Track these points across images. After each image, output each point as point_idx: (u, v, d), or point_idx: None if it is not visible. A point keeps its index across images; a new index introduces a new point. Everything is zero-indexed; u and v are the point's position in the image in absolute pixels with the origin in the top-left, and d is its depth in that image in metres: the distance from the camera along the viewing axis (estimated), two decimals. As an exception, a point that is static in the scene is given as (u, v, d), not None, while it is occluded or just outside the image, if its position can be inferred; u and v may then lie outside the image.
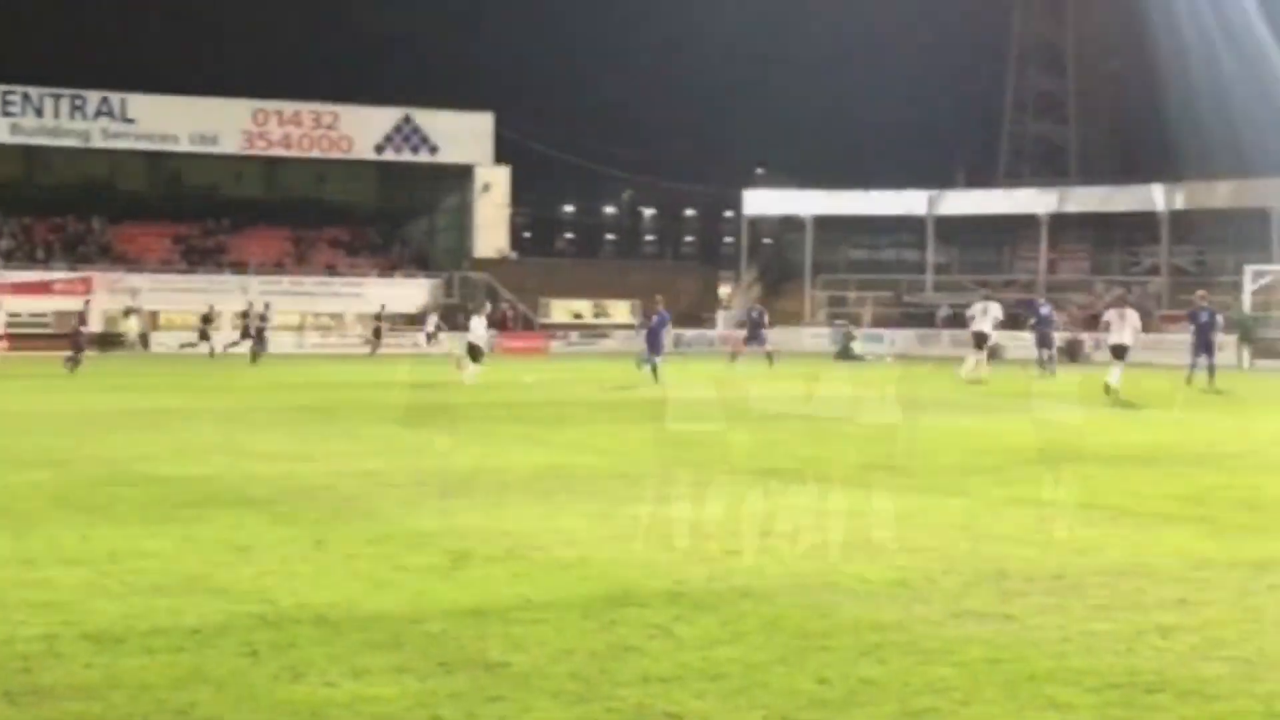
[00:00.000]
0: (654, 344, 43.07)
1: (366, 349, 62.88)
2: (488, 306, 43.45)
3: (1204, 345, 38.78)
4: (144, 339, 63.40)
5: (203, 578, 11.06)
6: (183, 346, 59.05)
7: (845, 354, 61.99)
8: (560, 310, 76.79)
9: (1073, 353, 57.83)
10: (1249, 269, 58.90)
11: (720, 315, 78.41)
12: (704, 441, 22.79)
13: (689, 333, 69.50)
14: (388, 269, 76.36)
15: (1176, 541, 13.10)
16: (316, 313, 70.39)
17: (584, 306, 76.93)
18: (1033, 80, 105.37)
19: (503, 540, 12.79)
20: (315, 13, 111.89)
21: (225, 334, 59.68)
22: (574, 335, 72.16)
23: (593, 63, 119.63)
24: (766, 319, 54.44)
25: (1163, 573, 11.54)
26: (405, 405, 30.73)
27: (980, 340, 42.14)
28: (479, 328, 41.62)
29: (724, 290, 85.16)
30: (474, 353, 40.71)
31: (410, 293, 73.71)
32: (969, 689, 8.14)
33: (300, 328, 68.16)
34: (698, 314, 75.46)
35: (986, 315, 42.64)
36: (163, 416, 27.39)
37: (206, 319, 59.78)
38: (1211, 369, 38.08)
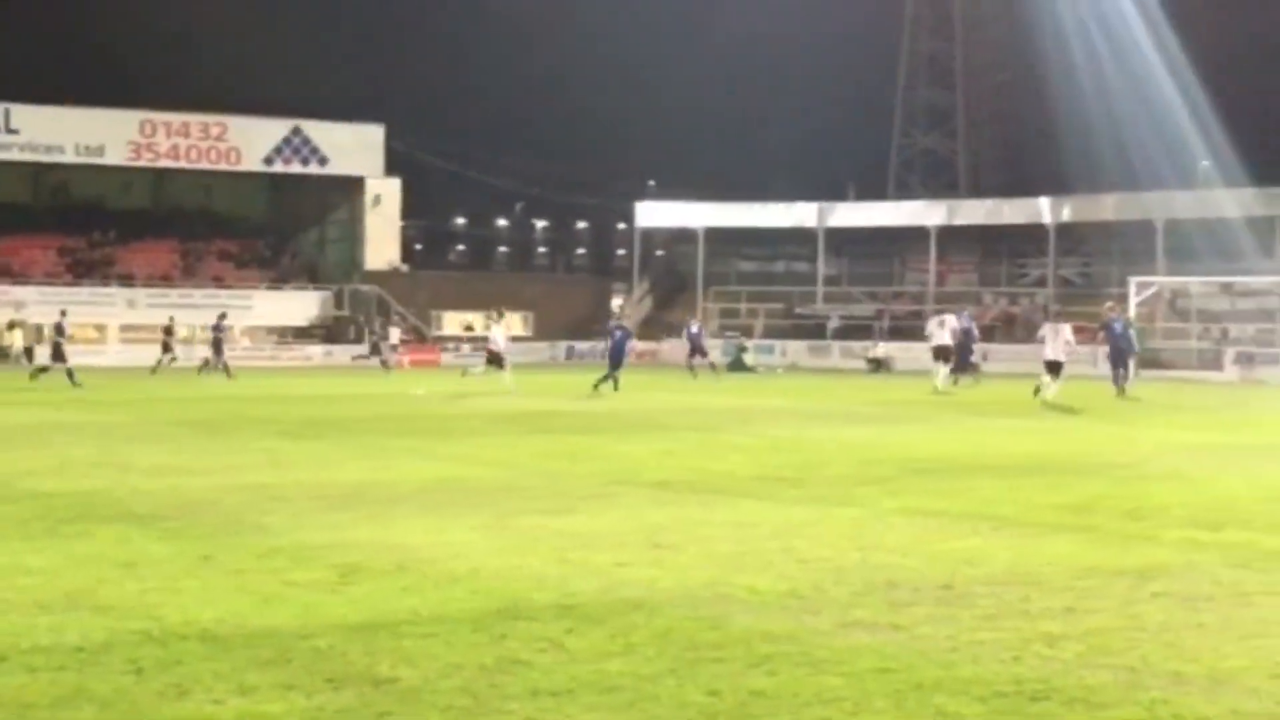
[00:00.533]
0: (615, 358, 43.88)
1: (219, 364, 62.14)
2: (500, 315, 43.81)
3: (1119, 355, 39.68)
4: (29, 352, 62.42)
5: (86, 594, 10.89)
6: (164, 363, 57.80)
7: (737, 365, 62.24)
8: (452, 322, 76.57)
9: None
10: (1134, 280, 59.62)
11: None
12: (595, 453, 22.80)
13: (581, 345, 69.49)
14: (277, 282, 75.81)
15: (1062, 550, 13.22)
16: (205, 325, 69.64)
17: (476, 319, 76.70)
18: (922, 94, 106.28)
19: (392, 554, 12.70)
20: (203, 23, 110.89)
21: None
22: (466, 347, 71.89)
23: (485, 75, 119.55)
24: (705, 333, 55.52)
25: (1049, 582, 11.64)
26: (293, 418, 30.51)
27: (942, 354, 42.58)
28: (499, 337, 42.31)
29: (616, 302, 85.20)
30: (498, 360, 41.14)
31: (300, 306, 73.24)
32: (858, 699, 8.17)
33: (189, 340, 67.45)
34: (590, 326, 75.40)
35: (944, 328, 43.32)
36: (45, 431, 27.01)
37: (169, 331, 59.03)
38: (1126, 377, 38.83)
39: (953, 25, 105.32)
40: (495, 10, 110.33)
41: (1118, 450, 24.27)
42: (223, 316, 58.72)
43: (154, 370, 53.05)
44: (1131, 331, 42.93)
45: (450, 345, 71.23)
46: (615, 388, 41.20)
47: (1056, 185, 75.41)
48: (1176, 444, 25.76)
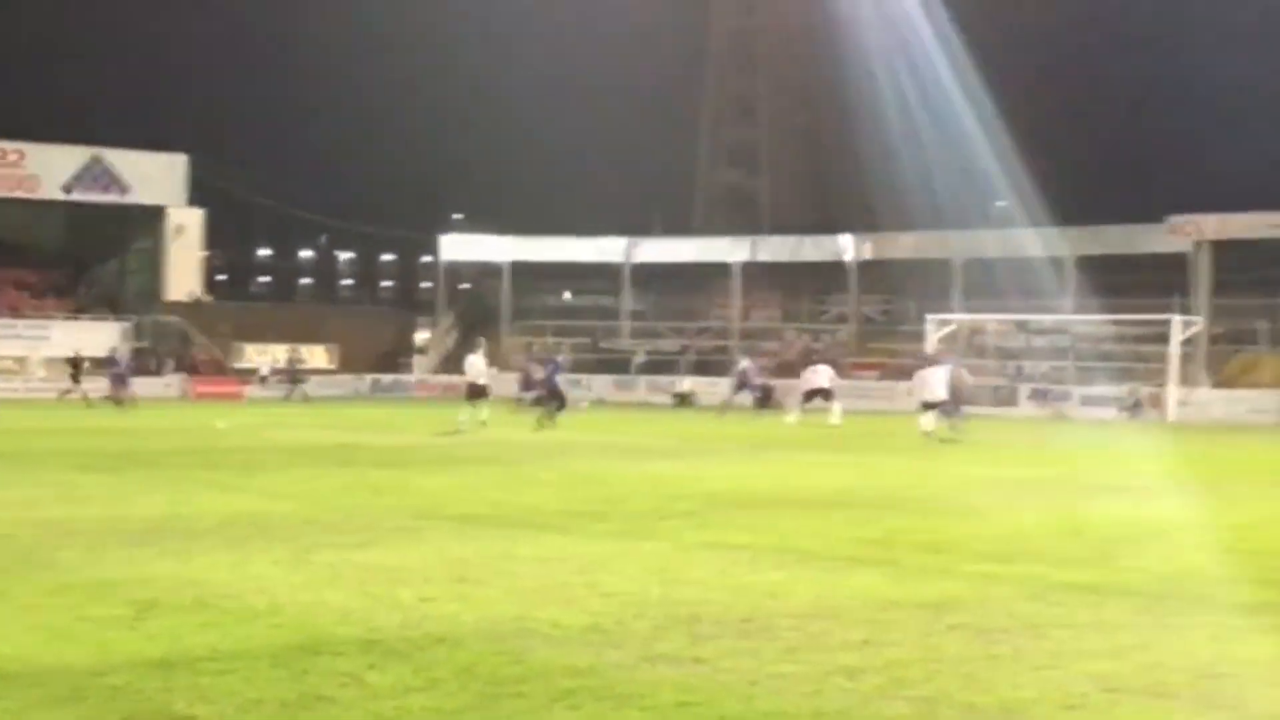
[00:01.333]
0: (554, 389, 45.60)
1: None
2: (484, 344, 43.58)
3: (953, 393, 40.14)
4: None
5: None
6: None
7: (543, 401, 62.05)
8: (255, 354, 75.63)
9: (765, 399, 58.90)
10: (931, 318, 60.64)
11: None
12: (399, 487, 22.67)
13: (386, 378, 69.05)
14: (75, 312, 74.38)
15: (863, 584, 13.39)
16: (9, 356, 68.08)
17: (279, 351, 75.82)
18: (727, 131, 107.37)
19: (191, 589, 12.51)
20: (1, 47, 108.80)
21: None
22: (271, 379, 71.04)
23: (289, 106, 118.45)
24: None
25: (849, 615, 11.78)
26: (91, 451, 29.95)
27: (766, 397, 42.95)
28: (478, 364, 41.58)
29: (421, 336, 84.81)
30: (478, 392, 40.64)
31: (99, 336, 71.86)
32: (660, 732, 8.20)
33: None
34: (394, 359, 74.98)
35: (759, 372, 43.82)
36: None
37: (75, 363, 57.42)
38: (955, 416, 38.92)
39: (756, 62, 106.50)
40: (301, 41, 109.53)
41: (916, 484, 24.65)
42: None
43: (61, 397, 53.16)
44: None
45: (253, 378, 70.33)
46: (552, 419, 42.38)
47: (860, 222, 76.52)
48: (973, 478, 26.22)
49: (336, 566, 13.93)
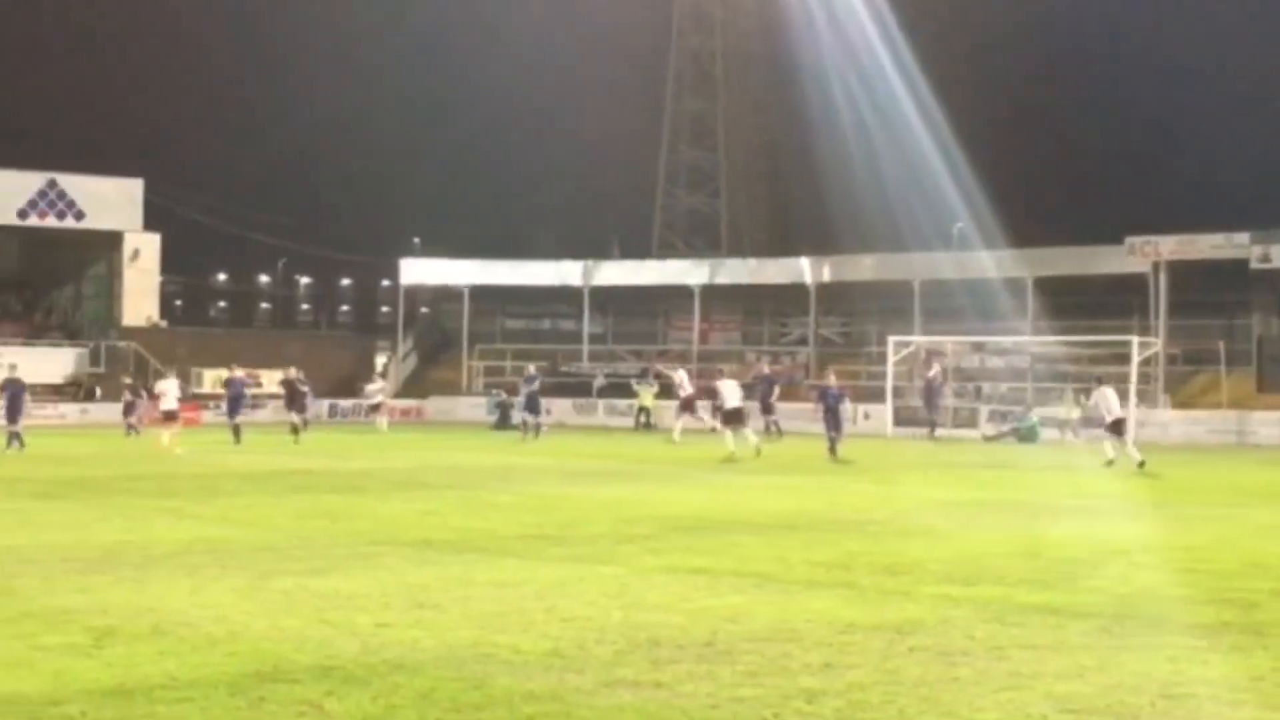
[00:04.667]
0: (533, 406, 48.18)
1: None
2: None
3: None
4: None
5: None
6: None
7: (503, 423, 62.07)
8: (212, 380, 75.24)
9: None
10: (892, 340, 60.77)
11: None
12: (355, 512, 22.60)
13: (345, 402, 68.84)
14: (31, 338, 73.94)
15: (822, 606, 13.40)
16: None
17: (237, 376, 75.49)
18: (685, 153, 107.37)
19: (147, 616, 12.44)
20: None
21: None
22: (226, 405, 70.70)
23: (247, 129, 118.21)
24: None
25: (809, 638, 11.78)
26: (47, 478, 29.80)
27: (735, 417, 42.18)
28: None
29: (380, 360, 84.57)
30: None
31: (55, 363, 71.43)
32: (620, 758, 8.18)
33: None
34: (352, 383, 74.74)
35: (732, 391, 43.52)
36: None
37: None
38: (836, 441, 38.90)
39: (715, 84, 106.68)
40: (259, 64, 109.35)
41: (874, 507, 24.68)
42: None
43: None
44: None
45: (211, 404, 70.01)
46: (536, 436, 44.98)
47: (819, 245, 76.61)
48: (931, 500, 26.28)
49: (293, 593, 13.87)
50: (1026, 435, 52.69)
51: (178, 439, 41.08)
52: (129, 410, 53.57)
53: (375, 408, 57.09)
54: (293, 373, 49.43)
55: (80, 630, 11.80)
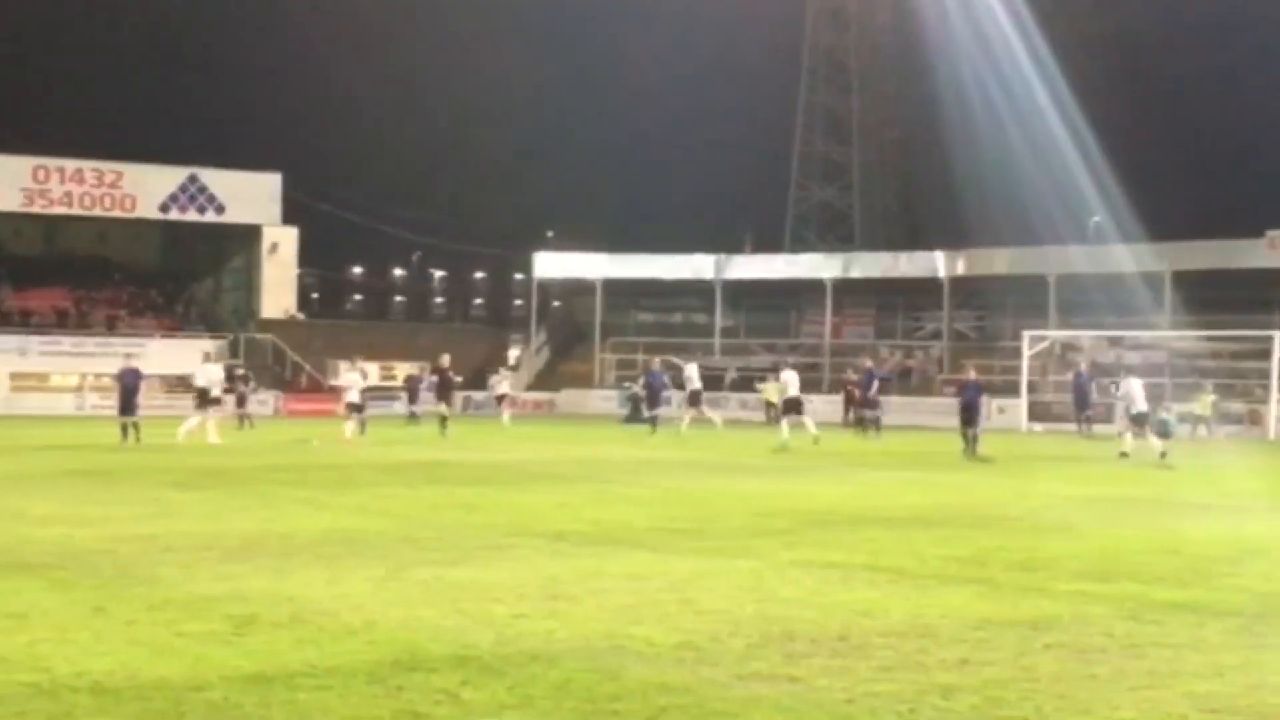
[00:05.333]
0: (654, 400, 48.53)
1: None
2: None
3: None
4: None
5: (-25, 646, 10.74)
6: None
7: (634, 417, 62.20)
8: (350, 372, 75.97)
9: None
10: (1027, 334, 60.24)
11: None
12: (490, 504, 22.74)
13: (478, 395, 69.22)
14: (171, 329, 75.09)
15: (957, 602, 13.32)
16: (98, 374, 68.81)
17: (372, 368, 76.25)
18: (818, 147, 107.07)
19: (287, 605, 12.60)
20: (100, 70, 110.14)
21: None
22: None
23: (384, 124, 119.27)
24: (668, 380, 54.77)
25: (944, 633, 11.72)
26: (186, 468, 30.24)
27: (793, 406, 42.48)
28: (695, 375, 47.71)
29: (512, 353, 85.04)
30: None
31: (194, 354, 72.44)
32: (755, 751, 8.18)
33: (80, 389, 66.55)
34: (486, 376, 75.22)
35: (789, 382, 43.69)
36: (-65, 480, 26.62)
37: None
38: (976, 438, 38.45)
39: (849, 80, 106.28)
40: (395, 59, 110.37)
41: (1009, 502, 24.49)
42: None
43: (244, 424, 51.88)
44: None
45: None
46: (653, 430, 45.34)
47: (952, 238, 76.10)
48: (1067, 496, 26.01)
49: (430, 584, 13.99)
50: (1161, 431, 52.00)
51: (360, 432, 41.54)
52: (241, 401, 53.40)
53: (500, 399, 56.77)
54: (445, 362, 48.27)
55: (221, 618, 11.97)
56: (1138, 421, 37.72)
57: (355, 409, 42.71)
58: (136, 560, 15.50)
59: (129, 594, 13.22)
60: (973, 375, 40.53)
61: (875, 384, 50.75)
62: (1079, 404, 50.81)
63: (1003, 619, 12.43)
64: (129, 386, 40.60)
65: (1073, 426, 51.05)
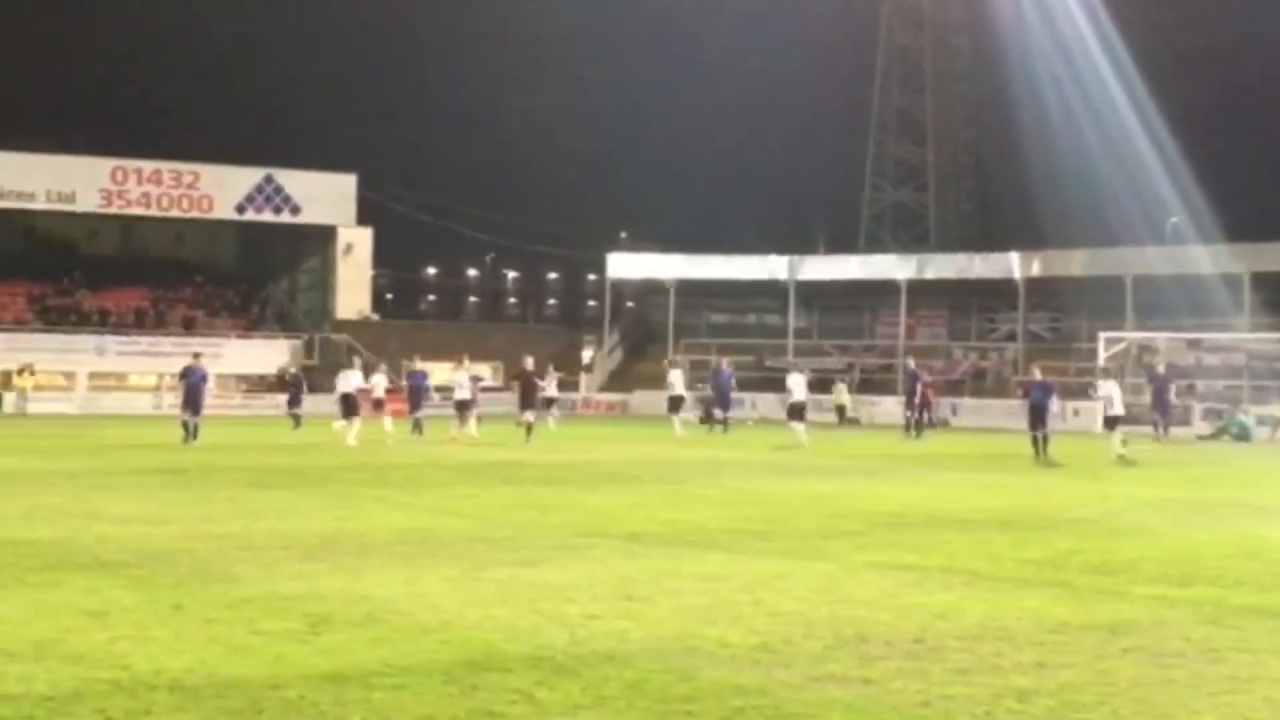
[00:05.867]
0: (724, 401, 49.04)
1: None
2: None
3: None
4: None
5: (55, 643, 10.84)
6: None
7: (708, 418, 62.23)
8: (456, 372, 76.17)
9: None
10: (1103, 335, 59.89)
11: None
12: (563, 504, 22.78)
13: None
14: (247, 329, 75.67)
15: (1033, 605, 13.24)
16: (174, 373, 69.48)
17: (445, 368, 76.40)
18: (893, 148, 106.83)
19: (363, 604, 12.67)
20: (178, 71, 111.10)
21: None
22: (435, 396, 71.66)
23: (458, 126, 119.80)
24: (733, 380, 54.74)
25: (1020, 636, 11.65)
26: (263, 467, 30.45)
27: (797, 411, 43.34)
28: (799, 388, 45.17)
29: (586, 354, 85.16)
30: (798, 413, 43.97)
31: (270, 354, 73.07)
32: (830, 753, 8.16)
33: (157, 388, 67.16)
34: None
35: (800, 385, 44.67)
36: (12, 478, 26.87)
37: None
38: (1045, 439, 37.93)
39: (923, 80, 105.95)
40: (469, 62, 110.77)
41: (1085, 505, 24.33)
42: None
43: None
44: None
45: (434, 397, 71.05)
46: (725, 430, 46.27)
47: (1028, 240, 75.72)
48: (1145, 499, 25.81)
49: (505, 583, 14.03)
50: (1240, 434, 51.60)
51: (473, 430, 42.04)
52: (294, 401, 52.23)
53: (549, 402, 54.60)
54: (529, 365, 45.51)
55: (298, 616, 12.04)
56: (1110, 424, 37.42)
57: (464, 407, 43.14)
58: (214, 559, 15.62)
59: (207, 592, 13.32)
60: (1039, 376, 40.15)
61: (918, 387, 50.42)
62: (1157, 407, 50.24)
63: (1079, 622, 12.35)
64: (193, 385, 40.68)
65: (1149, 429, 50.64)
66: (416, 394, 46.71)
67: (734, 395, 54.89)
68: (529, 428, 41.53)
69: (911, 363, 53.95)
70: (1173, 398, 49.74)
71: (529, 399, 43.76)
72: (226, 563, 15.32)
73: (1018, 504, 24.34)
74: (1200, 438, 52.49)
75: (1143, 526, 20.62)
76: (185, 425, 39.44)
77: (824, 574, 15.10)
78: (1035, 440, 37.39)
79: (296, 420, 50.03)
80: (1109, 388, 38.70)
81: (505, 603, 12.89)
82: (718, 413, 50.52)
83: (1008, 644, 11.31)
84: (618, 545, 17.35)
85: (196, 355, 43.89)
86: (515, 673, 10.03)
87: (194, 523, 19.29)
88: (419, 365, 48.52)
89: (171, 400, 58.34)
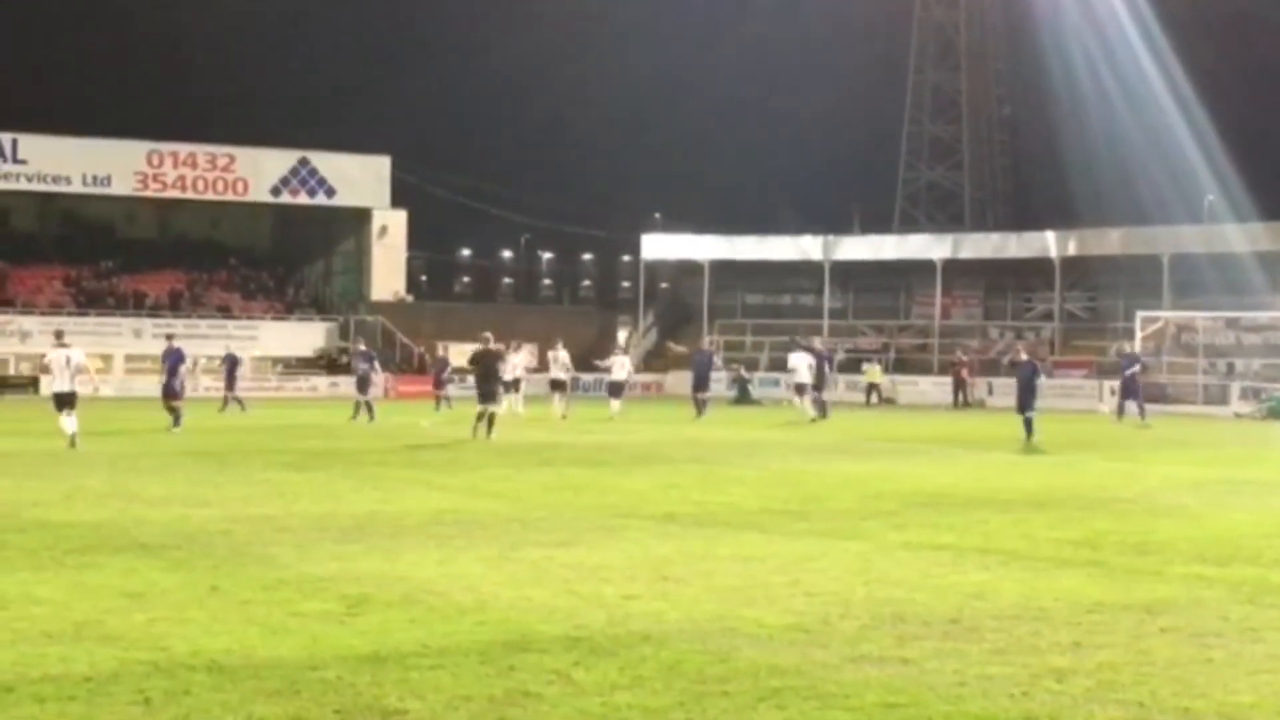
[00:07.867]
0: (701, 382, 48.56)
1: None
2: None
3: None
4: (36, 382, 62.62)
5: (94, 625, 10.90)
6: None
7: (743, 398, 62.27)
8: (456, 354, 76.41)
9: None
10: (1140, 314, 59.67)
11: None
12: (599, 486, 22.80)
13: (586, 377, 69.43)
14: (283, 311, 75.85)
15: (1070, 585, 13.22)
16: (210, 355, 69.73)
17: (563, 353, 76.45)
18: (927, 127, 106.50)
19: (399, 585, 12.71)
20: (212, 55, 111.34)
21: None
22: (470, 378, 71.69)
23: (491, 107, 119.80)
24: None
25: (1057, 616, 11.64)
26: (299, 449, 30.53)
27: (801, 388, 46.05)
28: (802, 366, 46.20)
29: (621, 335, 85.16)
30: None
31: (305, 336, 73.27)
32: (866, 733, 8.16)
33: (193, 371, 67.33)
34: (593, 358, 75.45)
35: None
36: (52, 460, 27.00)
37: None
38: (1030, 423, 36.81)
39: (958, 58, 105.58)
40: (502, 44, 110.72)
41: (1122, 485, 24.27)
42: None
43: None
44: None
45: (456, 377, 71.17)
46: (700, 413, 45.74)
47: (1062, 218, 75.45)
48: (1181, 479, 25.72)
49: (541, 564, 14.06)
50: (1276, 413, 51.34)
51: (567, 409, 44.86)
52: (363, 386, 45.33)
53: (554, 385, 49.78)
54: (491, 342, 42.81)
55: (335, 598, 12.09)
56: (800, 390, 44.50)
57: (558, 386, 46.65)
58: (251, 540, 15.68)
59: (244, 574, 13.38)
60: (1024, 355, 39.66)
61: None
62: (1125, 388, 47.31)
63: (1116, 602, 12.33)
64: (172, 367, 39.24)
65: (1186, 408, 50.36)
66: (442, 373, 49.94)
67: (768, 374, 54.82)
68: (490, 418, 34.58)
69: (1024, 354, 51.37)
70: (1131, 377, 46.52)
71: (559, 384, 46.72)
72: (264, 544, 15.38)
73: (1053, 484, 24.29)
74: (1238, 415, 52.21)
75: (1179, 506, 20.57)
76: (171, 410, 37.76)
77: (860, 554, 15.10)
78: (1027, 423, 35.69)
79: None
80: (797, 359, 44.37)
81: (541, 583, 12.92)
82: (698, 396, 48.47)
83: (1045, 624, 11.30)
84: (653, 526, 17.37)
85: (170, 337, 43.60)
86: (552, 653, 10.06)
87: (231, 505, 19.37)
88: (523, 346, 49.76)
89: (209, 383, 58.51)
